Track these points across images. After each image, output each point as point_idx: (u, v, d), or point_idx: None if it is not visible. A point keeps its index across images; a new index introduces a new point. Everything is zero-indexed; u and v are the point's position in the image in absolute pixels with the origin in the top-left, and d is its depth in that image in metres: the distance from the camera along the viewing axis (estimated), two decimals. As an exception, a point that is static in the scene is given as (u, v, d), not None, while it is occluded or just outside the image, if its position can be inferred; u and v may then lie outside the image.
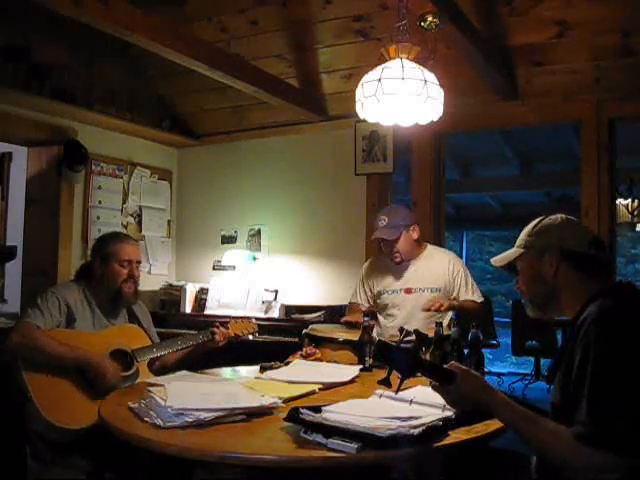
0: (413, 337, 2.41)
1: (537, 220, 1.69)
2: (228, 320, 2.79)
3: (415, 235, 3.12)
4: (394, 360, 1.59)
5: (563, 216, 1.66)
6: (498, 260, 1.75)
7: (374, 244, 3.91)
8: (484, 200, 9.41)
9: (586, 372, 1.36)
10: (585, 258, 1.58)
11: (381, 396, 1.87)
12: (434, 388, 1.57)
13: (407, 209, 3.38)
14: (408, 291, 3.11)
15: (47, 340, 2.30)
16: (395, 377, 1.66)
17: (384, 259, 3.20)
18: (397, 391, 1.69)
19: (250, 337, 2.82)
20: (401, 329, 2.42)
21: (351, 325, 2.90)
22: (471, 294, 3.09)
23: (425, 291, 3.08)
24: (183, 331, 3.46)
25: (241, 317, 3.03)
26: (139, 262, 2.63)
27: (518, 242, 1.69)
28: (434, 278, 3.10)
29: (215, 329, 2.66)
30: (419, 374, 1.59)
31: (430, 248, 3.23)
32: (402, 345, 2.01)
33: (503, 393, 1.53)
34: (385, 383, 1.71)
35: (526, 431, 1.43)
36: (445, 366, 1.58)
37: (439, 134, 4.08)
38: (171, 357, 2.64)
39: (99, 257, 2.57)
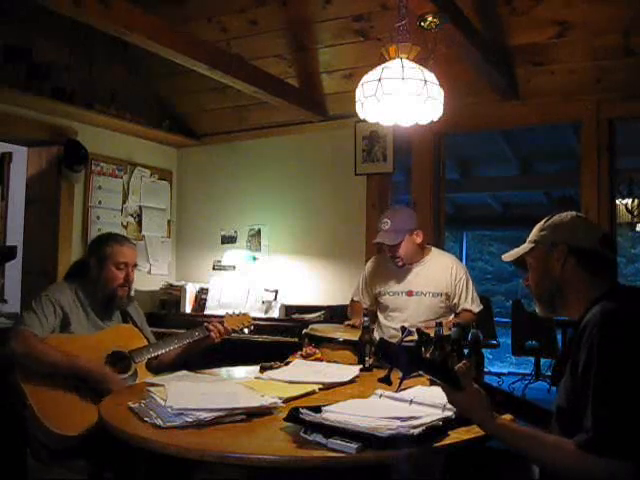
0: (415, 336, 2.41)
1: (549, 216, 1.68)
2: (223, 316, 2.76)
3: (418, 240, 3.10)
4: (395, 358, 1.59)
5: (574, 213, 1.65)
6: (508, 255, 1.74)
7: (374, 244, 3.91)
8: (484, 200, 9.40)
9: (590, 377, 1.35)
10: (593, 256, 1.57)
11: (381, 396, 1.87)
12: (442, 387, 1.57)
13: (411, 212, 3.33)
14: (409, 294, 3.10)
15: (46, 349, 2.28)
16: (396, 376, 1.66)
17: (388, 260, 3.20)
18: (397, 390, 1.68)
19: (246, 331, 2.79)
20: (402, 328, 2.42)
21: (355, 328, 2.90)
22: (470, 303, 3.08)
23: (426, 295, 3.07)
24: (182, 331, 3.45)
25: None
26: (135, 265, 2.61)
27: (529, 237, 1.69)
28: (436, 283, 3.08)
29: (211, 326, 2.64)
30: (421, 372, 1.58)
31: (434, 252, 3.20)
32: (403, 344, 2.02)
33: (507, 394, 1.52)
34: (385, 381, 1.71)
35: (527, 450, 1.42)
36: (456, 367, 1.56)
37: (439, 134, 4.08)
38: (168, 355, 2.63)
39: (96, 258, 2.55)
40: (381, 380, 2.14)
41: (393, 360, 1.62)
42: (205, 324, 2.66)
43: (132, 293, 2.67)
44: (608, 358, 1.35)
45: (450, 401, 1.56)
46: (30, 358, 2.26)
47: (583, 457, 1.31)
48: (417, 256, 3.13)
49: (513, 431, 1.47)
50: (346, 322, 3.04)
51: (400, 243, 3.04)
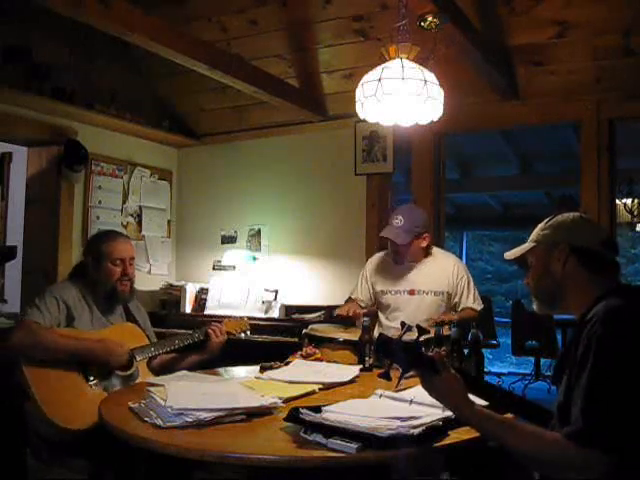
0: (415, 332, 2.41)
1: (551, 216, 1.68)
2: (221, 320, 2.76)
3: (424, 243, 3.11)
4: (395, 354, 1.59)
5: (578, 214, 1.65)
6: (510, 254, 1.74)
7: (374, 244, 3.91)
8: (484, 200, 9.39)
9: (585, 369, 1.35)
10: (595, 256, 1.57)
11: (381, 396, 1.87)
12: (419, 376, 1.57)
13: (424, 214, 3.29)
14: (411, 293, 3.10)
15: (48, 334, 2.30)
16: (396, 374, 1.67)
17: (389, 259, 3.20)
18: (397, 385, 1.68)
19: (242, 335, 2.78)
20: (402, 324, 2.42)
21: (345, 318, 2.91)
22: (472, 301, 3.09)
23: (428, 294, 3.08)
24: (182, 331, 3.45)
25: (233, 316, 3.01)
26: (132, 259, 2.60)
27: (531, 236, 1.69)
28: (438, 282, 3.09)
29: (209, 329, 2.63)
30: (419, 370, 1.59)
31: (436, 252, 3.21)
32: (403, 339, 2.02)
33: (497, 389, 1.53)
34: (385, 377, 1.70)
35: (504, 438, 1.43)
36: (433, 354, 1.58)
37: (439, 134, 4.08)
38: (169, 358, 2.64)
39: (92, 257, 2.56)
40: (380, 376, 2.14)
41: (392, 355, 1.63)
42: (205, 328, 2.65)
43: (134, 286, 2.65)
44: (607, 353, 1.34)
45: (426, 387, 1.56)
46: (30, 344, 2.26)
47: (565, 446, 1.32)
48: (419, 257, 3.14)
49: (490, 418, 1.46)
50: (336, 311, 3.05)
51: (406, 244, 3.04)
